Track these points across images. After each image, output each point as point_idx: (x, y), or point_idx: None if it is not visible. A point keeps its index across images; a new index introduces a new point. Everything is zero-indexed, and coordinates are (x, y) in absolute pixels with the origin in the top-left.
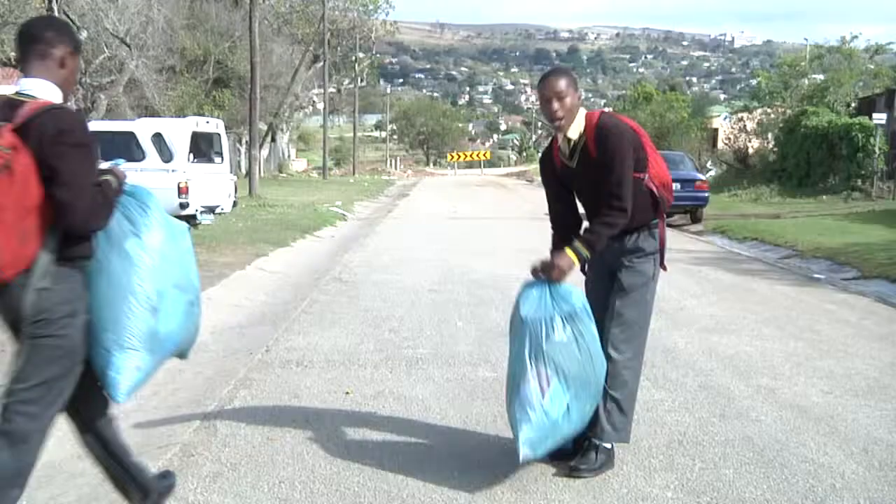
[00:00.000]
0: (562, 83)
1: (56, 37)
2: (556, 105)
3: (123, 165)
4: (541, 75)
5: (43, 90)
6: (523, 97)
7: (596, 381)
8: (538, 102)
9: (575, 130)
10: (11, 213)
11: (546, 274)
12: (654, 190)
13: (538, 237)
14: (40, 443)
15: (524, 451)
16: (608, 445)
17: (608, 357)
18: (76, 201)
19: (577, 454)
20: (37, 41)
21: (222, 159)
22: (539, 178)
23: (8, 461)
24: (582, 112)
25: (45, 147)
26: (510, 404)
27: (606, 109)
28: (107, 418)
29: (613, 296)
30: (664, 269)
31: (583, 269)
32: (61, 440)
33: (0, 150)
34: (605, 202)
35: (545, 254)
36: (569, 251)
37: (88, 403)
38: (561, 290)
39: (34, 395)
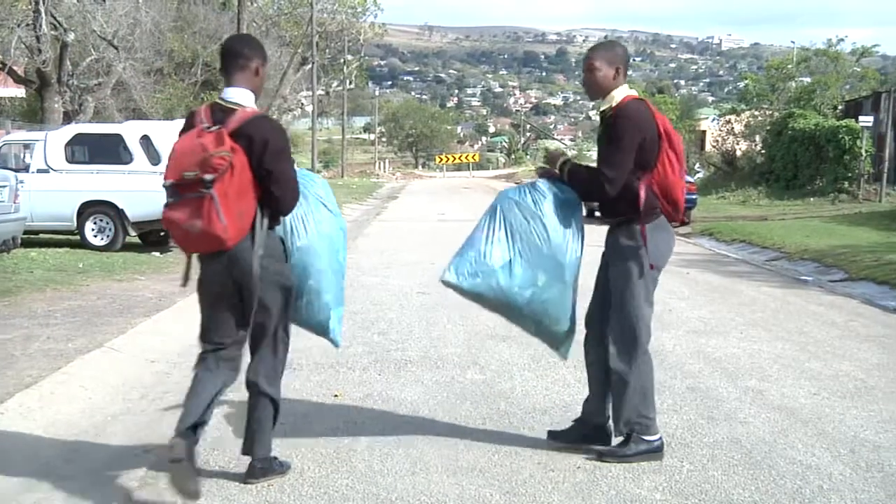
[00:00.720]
0: (594, 58)
1: (251, 52)
2: (585, 76)
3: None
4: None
5: (244, 98)
6: (512, 99)
7: (552, 258)
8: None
9: (607, 104)
10: (233, 198)
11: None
12: (642, 193)
13: None
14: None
15: (447, 273)
16: (648, 437)
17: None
18: (284, 194)
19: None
20: (237, 56)
21: None
22: (528, 182)
23: (282, 358)
24: (622, 90)
25: (255, 152)
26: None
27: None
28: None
29: (608, 291)
30: (651, 267)
31: (551, 172)
32: (49, 444)
33: (224, 154)
34: (597, 166)
35: None
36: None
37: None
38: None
39: (284, 317)
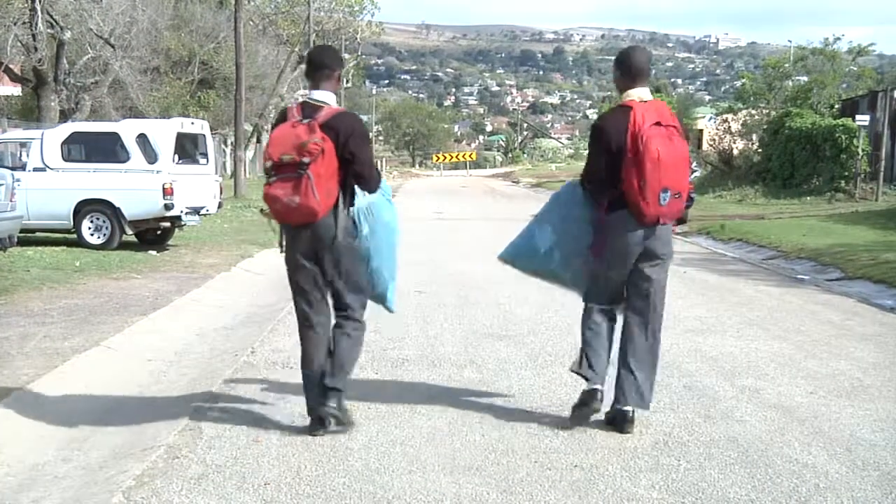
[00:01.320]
0: (614, 67)
1: (334, 63)
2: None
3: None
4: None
5: (329, 99)
6: (509, 98)
7: (585, 246)
8: None
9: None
10: (324, 178)
11: None
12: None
13: None
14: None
15: (504, 253)
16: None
17: None
18: (368, 174)
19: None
20: (324, 67)
21: (207, 160)
22: (525, 181)
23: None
24: (626, 96)
25: (342, 140)
26: None
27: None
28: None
29: None
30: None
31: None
32: (46, 442)
33: (316, 140)
34: None
35: None
36: None
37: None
38: None
39: (353, 279)
